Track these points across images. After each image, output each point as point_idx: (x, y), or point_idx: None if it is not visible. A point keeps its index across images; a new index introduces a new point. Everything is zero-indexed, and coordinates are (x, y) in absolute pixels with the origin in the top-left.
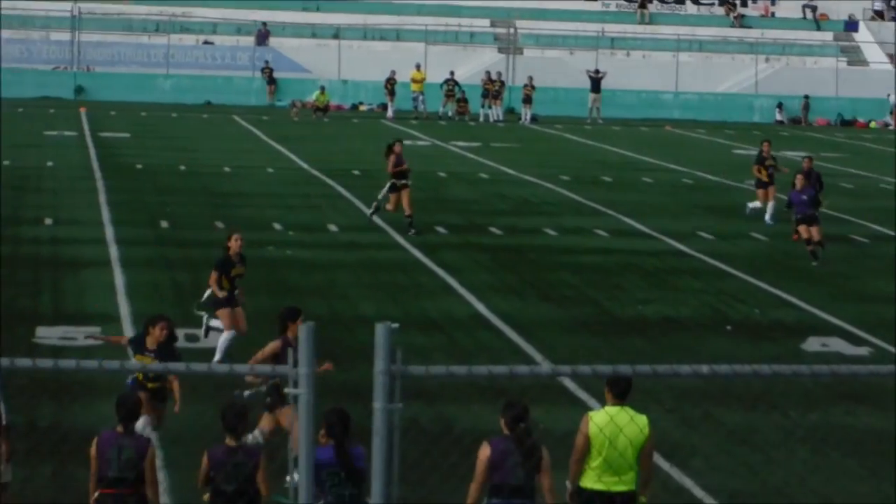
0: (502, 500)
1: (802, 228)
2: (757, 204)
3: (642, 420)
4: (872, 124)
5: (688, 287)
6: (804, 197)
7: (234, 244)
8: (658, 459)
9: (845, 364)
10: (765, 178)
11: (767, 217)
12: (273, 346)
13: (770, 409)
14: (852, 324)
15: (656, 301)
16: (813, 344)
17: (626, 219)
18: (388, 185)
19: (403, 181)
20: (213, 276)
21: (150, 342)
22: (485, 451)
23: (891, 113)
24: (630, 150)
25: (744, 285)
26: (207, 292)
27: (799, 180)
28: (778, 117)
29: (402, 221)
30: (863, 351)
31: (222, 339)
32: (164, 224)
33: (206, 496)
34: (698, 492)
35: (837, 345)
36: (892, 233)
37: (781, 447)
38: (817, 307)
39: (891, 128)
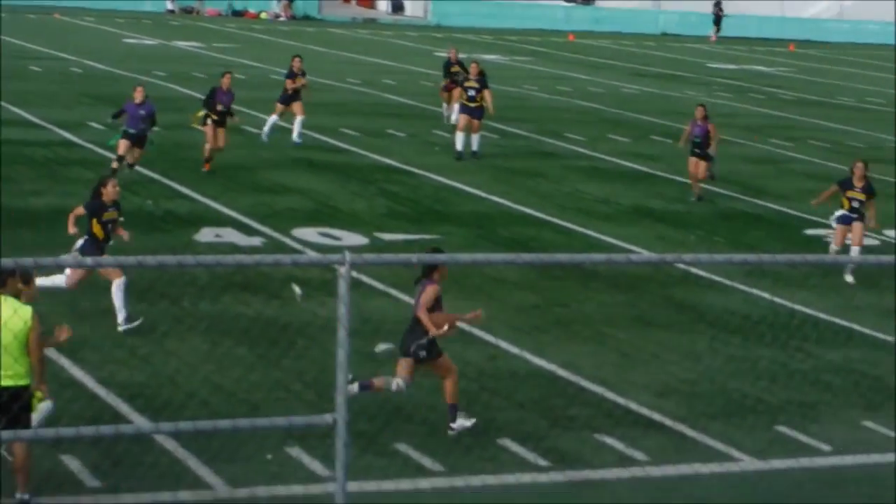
0: None
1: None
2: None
3: (27, 312)
4: (263, 15)
5: (79, 177)
6: (150, 109)
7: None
8: (52, 353)
9: (236, 255)
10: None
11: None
12: (435, 288)
13: (160, 298)
14: (245, 215)
15: (47, 192)
16: (206, 234)
17: (15, 108)
18: None
19: None
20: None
21: (106, 197)
22: None
23: (279, 1)
24: (18, 38)
25: (138, 176)
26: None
27: (225, 81)
28: (169, 6)
29: None
30: (256, 241)
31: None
32: None
33: None
34: (91, 383)
35: (231, 235)
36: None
37: (172, 336)
38: (210, 198)
39: (281, 19)
